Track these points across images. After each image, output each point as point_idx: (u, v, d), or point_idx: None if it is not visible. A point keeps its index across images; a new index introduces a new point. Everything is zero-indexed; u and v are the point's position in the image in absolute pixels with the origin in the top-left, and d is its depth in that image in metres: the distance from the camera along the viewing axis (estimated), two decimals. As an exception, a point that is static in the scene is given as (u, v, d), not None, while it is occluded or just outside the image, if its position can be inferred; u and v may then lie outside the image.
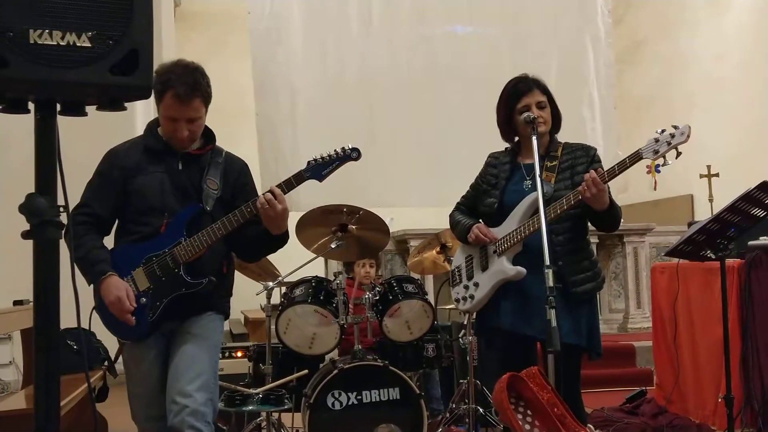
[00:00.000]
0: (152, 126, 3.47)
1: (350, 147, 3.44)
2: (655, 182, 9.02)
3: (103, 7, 1.83)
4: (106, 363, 6.35)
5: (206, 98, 3.30)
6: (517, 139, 3.89)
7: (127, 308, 3.17)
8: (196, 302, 3.35)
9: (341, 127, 9.16)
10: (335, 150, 3.43)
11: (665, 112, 11.66)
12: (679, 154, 3.44)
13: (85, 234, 3.26)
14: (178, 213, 3.32)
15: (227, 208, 3.36)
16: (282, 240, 3.43)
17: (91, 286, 3.23)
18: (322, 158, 3.40)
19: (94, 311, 3.31)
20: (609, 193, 3.53)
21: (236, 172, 3.51)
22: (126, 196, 3.33)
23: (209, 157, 3.45)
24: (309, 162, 3.41)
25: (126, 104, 2.00)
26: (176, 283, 3.29)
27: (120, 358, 3.45)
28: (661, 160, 3.47)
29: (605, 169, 3.54)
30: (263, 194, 3.26)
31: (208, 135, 3.49)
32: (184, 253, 3.27)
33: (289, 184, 3.35)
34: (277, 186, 3.31)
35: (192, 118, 3.28)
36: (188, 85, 3.22)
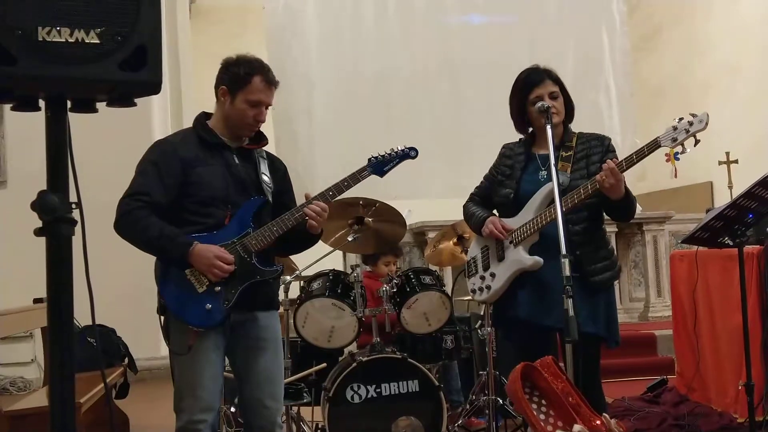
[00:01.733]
0: (201, 119, 3.53)
1: (408, 147, 3.66)
2: (675, 170, 8.95)
3: (111, 3, 1.83)
4: (126, 359, 6.40)
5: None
6: (531, 129, 3.87)
7: (230, 260, 3.25)
8: (266, 293, 3.46)
9: (357, 119, 9.19)
10: (394, 148, 3.65)
11: (682, 99, 11.56)
12: (697, 141, 3.43)
13: (149, 215, 3.26)
14: (244, 204, 3.39)
15: (276, 202, 3.52)
16: (319, 237, 3.63)
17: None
18: (382, 156, 3.62)
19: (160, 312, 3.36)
20: (624, 182, 3.52)
21: (281, 171, 3.65)
22: (185, 187, 3.35)
23: (256, 153, 3.54)
24: (370, 159, 3.61)
25: (137, 100, 2.01)
26: (250, 271, 3.34)
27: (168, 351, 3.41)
28: (679, 148, 3.46)
29: (623, 157, 3.52)
30: (316, 202, 3.42)
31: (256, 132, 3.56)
32: (256, 242, 3.34)
33: (354, 179, 3.52)
34: (341, 181, 3.49)
35: (269, 105, 3.45)
36: (271, 72, 3.44)
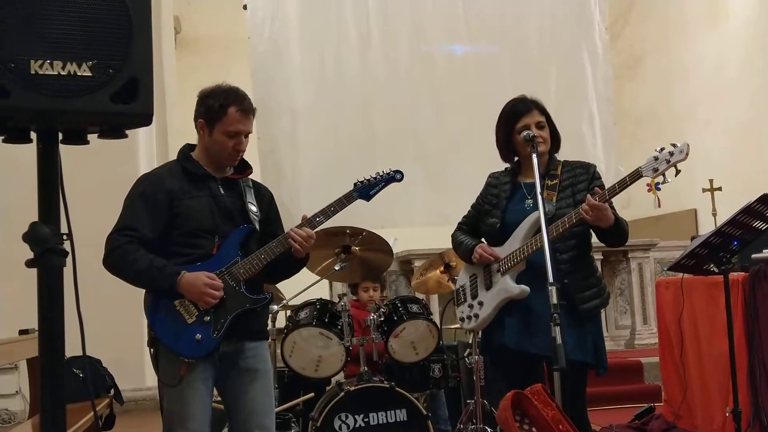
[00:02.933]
0: (185, 152, 3.54)
1: (393, 170, 3.70)
2: (659, 200, 9.01)
3: (103, 36, 1.86)
4: (112, 391, 6.35)
5: (254, 116, 3.52)
6: (516, 159, 3.90)
7: (219, 287, 3.26)
8: (255, 322, 3.46)
9: (342, 147, 9.21)
10: (379, 172, 3.68)
11: (666, 126, 11.67)
12: (678, 171, 3.45)
13: (138, 249, 3.28)
14: (230, 234, 3.40)
15: (264, 230, 3.52)
16: (305, 261, 3.62)
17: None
18: (368, 180, 3.66)
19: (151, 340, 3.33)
20: (613, 208, 3.54)
21: (267, 199, 3.67)
22: (172, 219, 3.36)
23: (241, 182, 3.55)
24: (356, 183, 3.65)
25: (127, 132, 2.02)
26: (240, 300, 3.35)
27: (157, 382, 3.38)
28: (660, 178, 3.48)
29: (607, 186, 3.55)
30: (302, 228, 3.43)
31: (240, 161, 3.56)
32: (244, 271, 3.35)
33: (341, 204, 3.54)
34: (328, 207, 3.52)
35: (248, 133, 3.46)
36: (247, 100, 3.45)
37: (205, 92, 3.45)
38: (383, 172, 3.69)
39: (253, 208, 3.50)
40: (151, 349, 3.38)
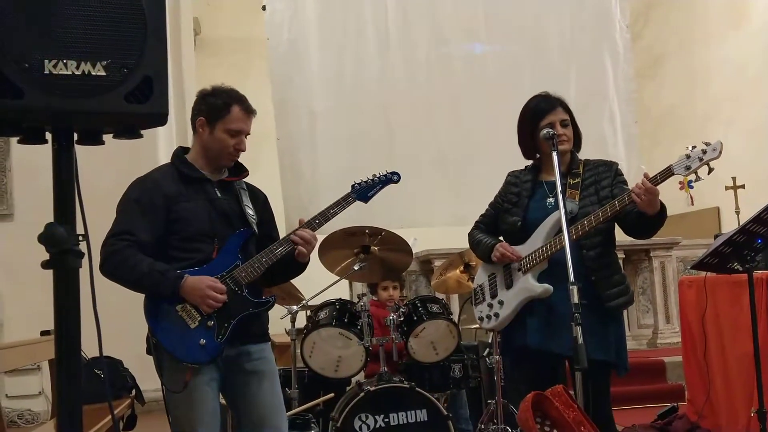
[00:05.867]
0: (179, 154, 3.51)
1: (390, 171, 3.72)
2: (691, 197, 8.97)
3: (117, 35, 1.85)
4: (133, 391, 6.37)
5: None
6: (538, 156, 3.87)
7: (222, 290, 3.23)
8: (256, 326, 3.44)
9: (361, 148, 9.19)
10: (376, 174, 3.69)
11: (687, 125, 11.59)
12: (711, 170, 3.41)
13: (137, 253, 3.23)
14: (230, 237, 3.37)
15: (260, 232, 3.50)
16: (305, 266, 3.56)
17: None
18: (365, 182, 3.66)
19: (153, 341, 3.27)
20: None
21: (261, 201, 3.63)
22: (169, 224, 3.32)
23: (236, 185, 3.52)
24: (353, 185, 3.65)
25: (143, 131, 2.01)
26: (242, 304, 3.33)
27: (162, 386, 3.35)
28: (693, 176, 3.45)
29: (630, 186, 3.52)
30: (303, 230, 3.42)
31: (235, 163, 3.54)
32: (246, 275, 3.33)
33: (339, 206, 3.54)
34: (327, 209, 3.51)
35: (248, 134, 3.45)
36: (247, 101, 3.45)
37: (205, 91, 3.46)
38: (380, 173, 3.70)
39: (251, 212, 3.48)
40: (154, 357, 3.31)
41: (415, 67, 9.71)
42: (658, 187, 3.41)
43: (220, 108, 3.37)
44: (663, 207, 3.53)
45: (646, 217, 3.53)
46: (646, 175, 3.45)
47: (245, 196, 3.52)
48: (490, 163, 7.79)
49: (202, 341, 3.23)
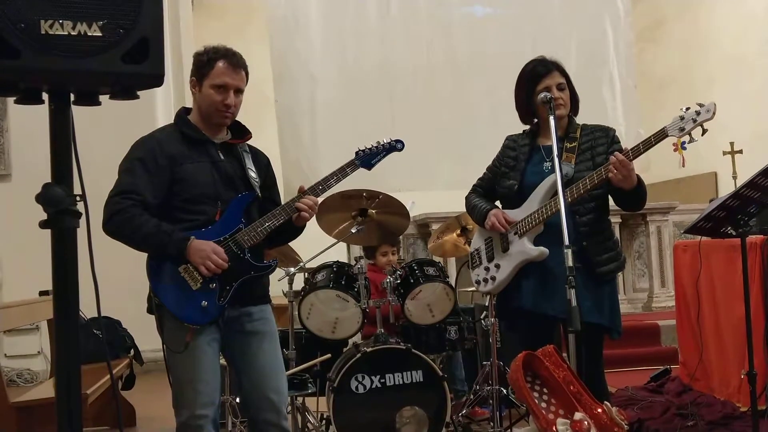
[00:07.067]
0: (182, 115, 3.50)
1: (394, 139, 3.71)
2: (683, 159, 8.95)
3: (113, -5, 1.85)
4: (132, 351, 6.43)
5: (247, 75, 3.45)
6: (535, 120, 3.87)
7: (225, 258, 3.24)
8: (257, 288, 3.45)
9: (360, 113, 9.18)
10: (380, 141, 3.69)
11: (686, 90, 11.53)
12: (705, 131, 3.41)
13: (143, 213, 3.22)
14: (233, 200, 3.37)
15: (263, 195, 3.51)
16: (302, 229, 3.59)
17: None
18: (369, 149, 3.66)
19: (155, 302, 3.30)
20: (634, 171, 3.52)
21: (264, 164, 3.62)
22: (173, 184, 3.31)
23: (239, 148, 3.51)
24: (357, 152, 3.65)
25: (140, 93, 2.02)
26: (244, 267, 3.34)
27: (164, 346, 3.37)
28: (686, 138, 3.45)
29: (630, 147, 3.53)
30: (308, 197, 3.43)
31: (238, 126, 3.54)
32: (248, 238, 3.34)
33: (342, 173, 3.54)
34: (330, 175, 3.51)
35: (239, 89, 3.39)
36: (237, 56, 3.39)
37: (198, 51, 3.43)
38: (384, 141, 3.69)
39: (254, 175, 3.47)
40: (155, 315, 3.34)
41: (415, 31, 9.68)
42: (648, 153, 3.43)
43: (204, 64, 3.35)
44: (641, 182, 3.55)
45: (624, 192, 3.56)
46: (624, 150, 3.47)
47: (248, 158, 3.50)
48: (489, 127, 7.81)
49: (204, 303, 3.25)
